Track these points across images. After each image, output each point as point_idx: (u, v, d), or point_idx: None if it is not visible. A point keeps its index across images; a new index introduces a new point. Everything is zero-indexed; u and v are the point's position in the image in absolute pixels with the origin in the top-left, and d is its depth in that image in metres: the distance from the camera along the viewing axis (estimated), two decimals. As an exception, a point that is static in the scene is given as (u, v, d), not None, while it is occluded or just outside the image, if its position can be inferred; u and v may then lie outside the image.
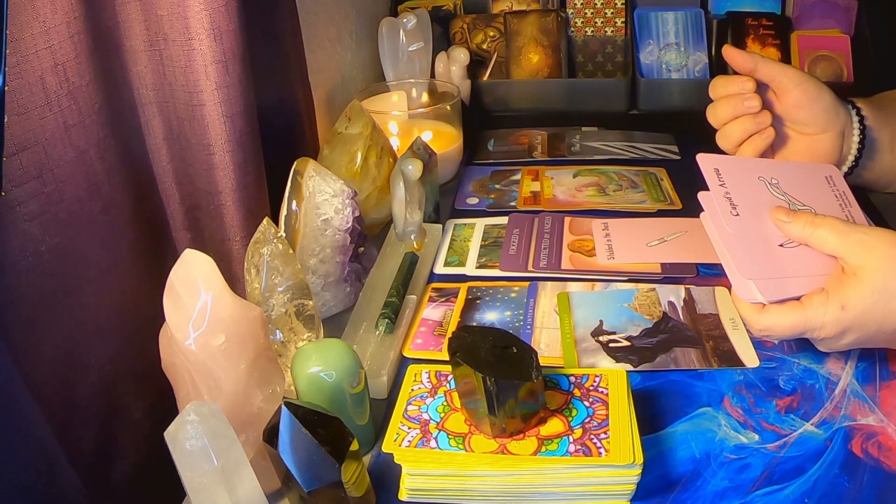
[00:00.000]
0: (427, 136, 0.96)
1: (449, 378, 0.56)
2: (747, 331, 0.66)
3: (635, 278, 0.75)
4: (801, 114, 0.71)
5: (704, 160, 0.64)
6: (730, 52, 0.71)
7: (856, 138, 0.74)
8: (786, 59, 1.14)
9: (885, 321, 0.54)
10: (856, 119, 0.73)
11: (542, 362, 0.54)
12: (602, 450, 0.49)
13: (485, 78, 1.19)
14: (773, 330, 0.57)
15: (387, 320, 0.67)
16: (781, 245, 0.59)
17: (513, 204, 0.90)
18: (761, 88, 0.71)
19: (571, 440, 0.50)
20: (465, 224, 0.87)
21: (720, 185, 0.62)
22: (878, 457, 0.53)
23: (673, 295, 0.72)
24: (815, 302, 0.55)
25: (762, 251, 0.58)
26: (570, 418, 0.52)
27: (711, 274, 0.75)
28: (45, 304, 0.52)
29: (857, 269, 0.55)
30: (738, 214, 0.60)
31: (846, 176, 0.74)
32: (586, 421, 0.51)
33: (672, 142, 1.05)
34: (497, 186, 0.95)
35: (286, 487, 0.48)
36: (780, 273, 0.57)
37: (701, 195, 0.62)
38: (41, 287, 0.51)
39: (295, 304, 0.61)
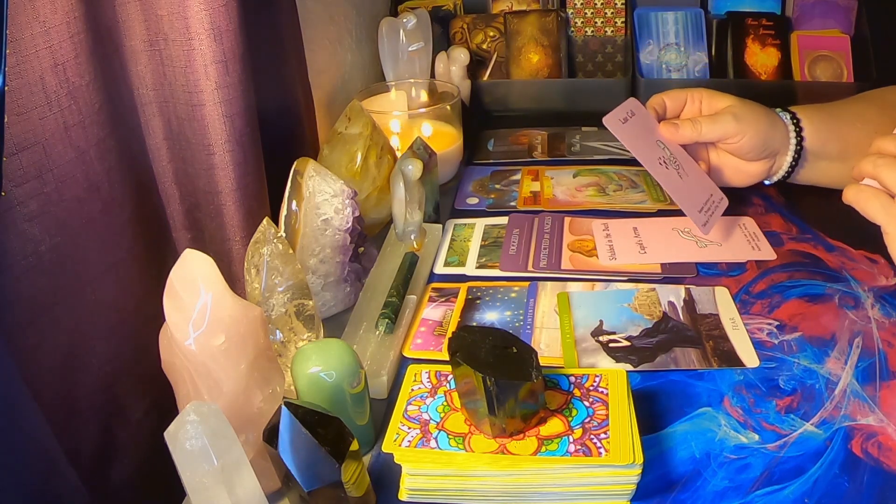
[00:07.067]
0: (427, 130, 0.96)
1: (449, 378, 0.56)
2: (747, 331, 0.66)
3: (635, 278, 0.75)
4: (737, 154, 0.81)
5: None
6: (666, 130, 0.80)
7: (789, 157, 0.81)
8: (786, 59, 1.14)
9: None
10: (793, 140, 0.80)
11: (542, 362, 0.54)
12: (602, 450, 0.49)
13: (485, 78, 1.19)
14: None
15: (387, 320, 0.67)
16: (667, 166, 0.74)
17: (513, 204, 0.90)
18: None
19: (571, 440, 0.50)
20: (465, 224, 0.87)
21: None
22: (878, 457, 0.53)
23: (673, 295, 0.72)
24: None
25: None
26: (570, 418, 0.52)
27: (711, 274, 0.75)
28: (45, 304, 0.52)
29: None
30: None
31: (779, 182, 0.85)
32: (586, 421, 0.51)
33: (672, 142, 1.05)
34: (497, 186, 0.95)
35: (286, 487, 0.48)
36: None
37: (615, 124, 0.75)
38: (41, 287, 0.51)
39: (295, 304, 0.61)
